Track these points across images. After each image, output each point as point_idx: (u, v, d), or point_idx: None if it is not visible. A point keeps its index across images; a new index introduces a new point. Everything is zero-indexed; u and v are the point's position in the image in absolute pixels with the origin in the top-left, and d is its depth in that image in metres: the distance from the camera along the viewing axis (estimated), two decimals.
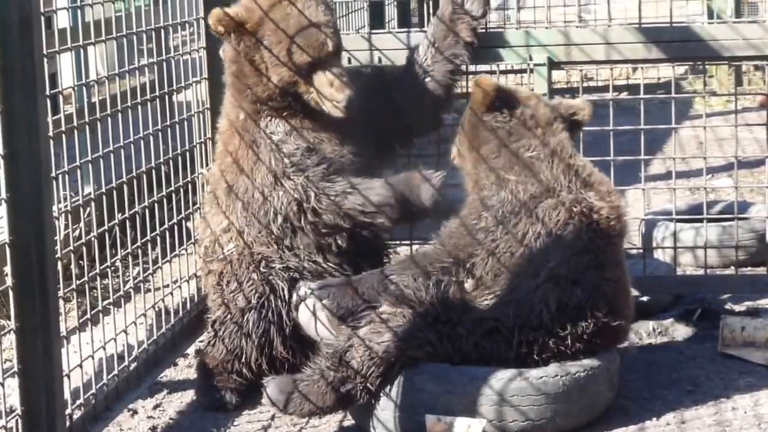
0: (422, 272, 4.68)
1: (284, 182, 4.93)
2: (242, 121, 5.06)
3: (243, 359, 4.99)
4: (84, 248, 4.62)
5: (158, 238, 5.28)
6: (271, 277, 4.96)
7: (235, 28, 4.91)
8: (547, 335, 4.57)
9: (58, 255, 4.23)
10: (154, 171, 5.17)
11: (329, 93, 4.89)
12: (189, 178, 5.61)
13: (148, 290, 5.24)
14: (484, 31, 5.53)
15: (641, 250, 6.18)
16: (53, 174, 4.17)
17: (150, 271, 5.20)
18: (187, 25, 5.72)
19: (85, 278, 4.63)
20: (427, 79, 5.33)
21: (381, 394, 4.55)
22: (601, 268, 4.66)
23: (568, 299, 4.58)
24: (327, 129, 5.05)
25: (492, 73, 5.77)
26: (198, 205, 5.66)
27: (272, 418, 4.86)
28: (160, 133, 5.27)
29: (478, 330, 4.58)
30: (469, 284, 4.66)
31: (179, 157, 5.50)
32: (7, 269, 4.03)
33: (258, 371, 4.98)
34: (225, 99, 5.21)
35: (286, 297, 4.95)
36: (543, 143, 4.78)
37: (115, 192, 4.78)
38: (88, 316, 4.63)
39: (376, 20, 9.43)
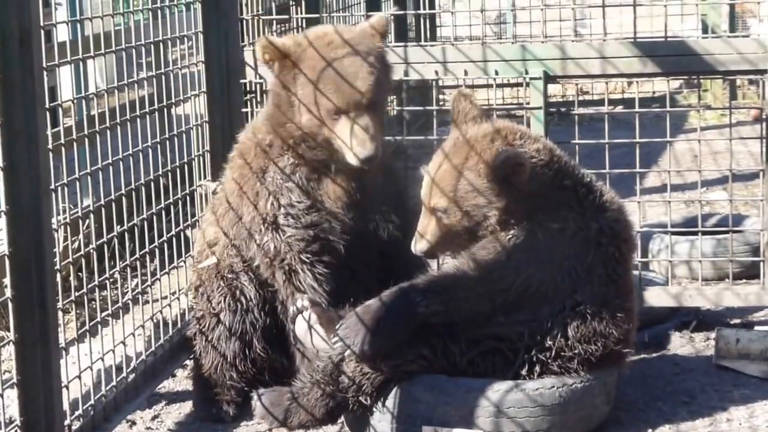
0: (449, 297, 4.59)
1: (270, 229, 4.93)
2: (266, 145, 5.00)
3: (227, 364, 5.06)
4: (83, 260, 4.64)
5: (157, 250, 5.30)
6: (237, 281, 5.03)
7: (280, 59, 4.89)
8: (555, 358, 4.58)
9: (58, 267, 4.25)
10: (152, 183, 5.19)
11: (352, 143, 4.81)
12: (187, 191, 5.64)
13: (147, 302, 5.26)
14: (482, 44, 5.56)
15: (637, 263, 6.20)
16: (52, 186, 4.19)
17: (148, 282, 5.22)
18: (186, 39, 5.75)
19: (84, 290, 4.64)
20: None
21: (377, 405, 4.57)
22: (622, 297, 4.68)
23: (586, 327, 4.59)
24: (341, 189, 4.99)
25: (488, 86, 5.81)
26: (196, 218, 5.68)
27: (269, 429, 4.87)
28: (158, 146, 5.30)
29: (474, 349, 4.58)
30: (485, 308, 4.61)
31: (178, 170, 5.53)
32: (7, 281, 4.05)
33: (245, 375, 5.05)
34: (258, 117, 5.18)
35: (252, 295, 5.01)
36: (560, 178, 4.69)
37: (114, 204, 4.81)
38: (87, 327, 4.65)
39: None
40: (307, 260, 4.90)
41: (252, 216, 4.96)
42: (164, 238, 5.37)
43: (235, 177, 5.06)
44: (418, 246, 4.73)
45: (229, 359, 5.05)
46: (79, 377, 4.52)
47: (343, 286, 4.91)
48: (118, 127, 4.92)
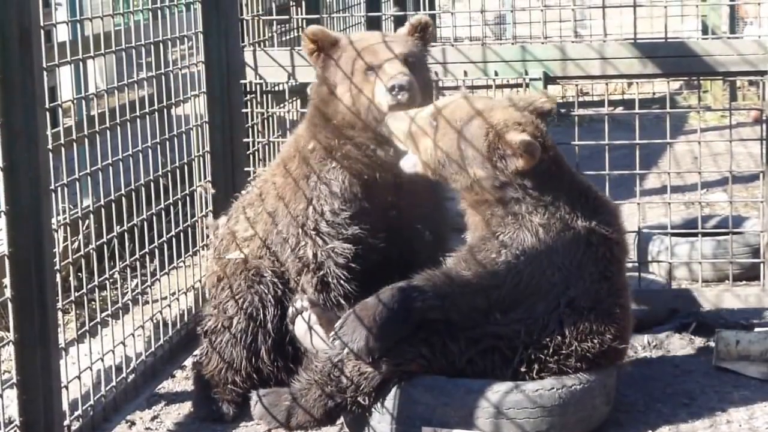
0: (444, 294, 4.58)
1: (311, 236, 4.89)
2: (308, 152, 4.98)
3: (234, 368, 5.03)
4: (83, 260, 4.64)
5: (156, 251, 5.30)
6: (260, 287, 4.99)
7: (328, 48, 4.92)
8: (552, 355, 4.59)
9: (57, 267, 4.26)
10: (152, 184, 5.19)
11: (382, 79, 4.77)
12: (187, 191, 5.64)
13: (147, 302, 5.27)
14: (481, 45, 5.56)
15: (636, 264, 6.20)
16: (52, 186, 4.20)
17: (148, 283, 5.22)
18: (186, 39, 5.75)
19: (84, 290, 4.65)
20: None
21: (377, 406, 4.57)
22: (616, 295, 4.69)
23: (582, 324, 4.59)
24: (382, 194, 4.96)
25: (488, 87, 5.81)
26: (196, 218, 5.69)
27: (269, 430, 4.87)
28: (158, 147, 5.30)
29: (473, 348, 4.59)
30: (481, 304, 4.64)
31: (177, 171, 5.53)
32: (6, 281, 4.06)
33: (249, 380, 5.02)
34: (300, 126, 5.16)
35: (271, 306, 4.97)
36: (555, 179, 4.68)
37: (113, 204, 4.81)
38: (87, 328, 4.65)
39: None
40: (343, 277, 4.87)
41: (290, 221, 4.93)
42: (164, 238, 5.37)
43: (277, 182, 5.03)
44: (396, 117, 4.70)
45: (234, 365, 5.03)
46: (78, 377, 4.52)
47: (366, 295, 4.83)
48: (118, 128, 4.92)
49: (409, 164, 4.74)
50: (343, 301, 4.87)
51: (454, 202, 5.37)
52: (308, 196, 4.91)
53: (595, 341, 4.62)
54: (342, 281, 4.88)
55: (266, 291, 4.99)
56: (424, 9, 11.61)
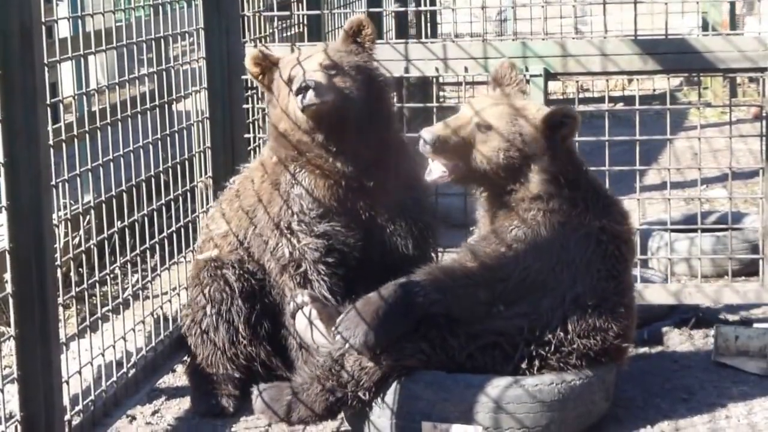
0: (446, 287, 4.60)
1: (285, 235, 4.98)
2: (272, 164, 5.10)
3: (218, 352, 5.10)
4: (83, 256, 4.65)
5: (157, 246, 5.31)
6: (222, 270, 5.08)
7: (271, 69, 5.03)
8: (554, 352, 4.60)
9: (58, 262, 4.26)
10: (153, 179, 5.20)
11: (293, 88, 4.85)
12: (188, 187, 5.65)
13: (147, 297, 5.28)
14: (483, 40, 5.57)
15: (636, 260, 6.21)
16: (53, 182, 4.20)
17: (149, 278, 5.23)
18: (187, 36, 5.76)
19: (85, 285, 4.66)
20: None
21: (377, 401, 4.58)
22: (621, 294, 4.71)
23: (585, 321, 4.61)
24: (352, 198, 5.02)
25: (487, 83, 5.81)
26: (197, 214, 5.70)
27: (269, 424, 4.88)
28: (159, 142, 5.31)
29: (473, 344, 4.60)
30: (485, 298, 4.67)
31: (178, 166, 5.54)
32: (7, 276, 4.06)
33: (235, 362, 5.09)
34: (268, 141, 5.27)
35: (236, 289, 5.06)
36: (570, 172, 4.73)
37: (114, 200, 4.82)
38: (88, 323, 4.66)
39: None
40: (323, 271, 4.95)
41: (265, 221, 5.02)
42: (165, 233, 5.38)
43: (255, 183, 5.14)
44: (430, 132, 4.64)
45: (219, 347, 5.09)
46: (79, 372, 4.53)
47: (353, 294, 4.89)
48: (119, 123, 4.93)
49: (437, 176, 4.72)
50: (329, 296, 4.92)
51: (452, 198, 5.38)
52: (281, 197, 5.00)
53: (598, 338, 4.62)
54: (323, 276, 4.95)
55: (229, 274, 5.07)
56: (425, 5, 11.61)
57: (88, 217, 4.68)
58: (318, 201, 4.97)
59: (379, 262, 5.05)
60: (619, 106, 10.89)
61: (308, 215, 4.96)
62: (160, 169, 5.32)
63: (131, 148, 5.00)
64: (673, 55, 5.67)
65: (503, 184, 4.68)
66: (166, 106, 5.49)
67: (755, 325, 5.74)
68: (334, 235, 4.97)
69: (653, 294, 5.79)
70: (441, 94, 11.14)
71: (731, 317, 6.00)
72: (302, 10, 7.57)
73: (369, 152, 4.99)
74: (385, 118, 5.07)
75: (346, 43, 5.04)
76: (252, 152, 5.97)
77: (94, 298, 5.62)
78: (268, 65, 5.06)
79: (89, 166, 4.66)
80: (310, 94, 4.77)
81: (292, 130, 4.96)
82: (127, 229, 5.08)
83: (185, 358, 5.36)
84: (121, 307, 4.95)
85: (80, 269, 4.64)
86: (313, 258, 4.94)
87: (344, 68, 4.92)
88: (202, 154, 5.77)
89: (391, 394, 4.57)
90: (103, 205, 4.74)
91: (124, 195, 4.92)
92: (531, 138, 4.63)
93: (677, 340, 5.77)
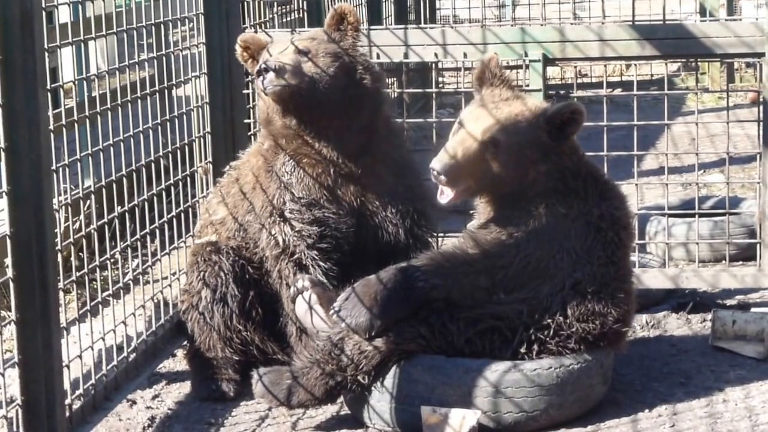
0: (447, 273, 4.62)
1: (278, 222, 5.01)
2: (264, 150, 5.14)
3: (215, 334, 5.12)
4: (84, 240, 4.67)
5: (157, 231, 5.33)
6: (216, 255, 5.10)
7: (260, 52, 5.05)
8: (553, 336, 4.62)
9: (59, 247, 4.27)
10: (153, 164, 5.22)
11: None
12: (188, 172, 5.66)
13: (147, 282, 5.29)
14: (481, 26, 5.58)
15: (634, 245, 6.23)
16: (53, 167, 4.21)
17: (149, 263, 5.25)
18: (187, 21, 5.76)
19: (85, 270, 4.67)
20: None
21: (376, 385, 4.61)
22: (621, 279, 4.73)
23: (584, 306, 4.63)
24: (342, 185, 5.06)
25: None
26: (197, 199, 5.71)
27: (269, 408, 4.90)
28: (159, 127, 5.32)
29: (472, 328, 4.61)
30: (485, 284, 4.68)
31: (178, 151, 5.55)
32: (8, 261, 4.07)
33: (232, 345, 5.11)
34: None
35: (229, 272, 5.07)
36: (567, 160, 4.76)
37: (114, 185, 4.83)
38: (88, 307, 4.68)
39: (374, 16, 9.50)
40: (316, 257, 4.98)
41: (261, 207, 5.05)
42: (165, 218, 5.40)
43: (253, 169, 5.17)
44: (441, 162, 4.62)
45: (215, 329, 5.10)
46: (79, 357, 4.55)
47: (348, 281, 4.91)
48: (119, 108, 4.93)
49: (450, 198, 4.69)
50: (325, 281, 4.95)
51: None
52: (274, 184, 5.03)
53: (597, 322, 4.64)
54: (317, 262, 4.98)
55: (224, 259, 5.08)
56: None
57: (88, 202, 4.69)
58: (308, 188, 5.00)
59: (372, 248, 5.08)
60: (617, 91, 10.89)
61: (299, 203, 4.99)
62: (160, 154, 5.33)
63: (131, 133, 5.01)
64: (671, 41, 5.68)
65: (511, 187, 4.71)
66: (166, 91, 5.49)
67: (752, 309, 5.76)
68: (326, 221, 5.00)
69: (651, 278, 5.81)
70: (440, 79, 11.13)
71: (729, 302, 6.02)
72: None
73: (355, 139, 5.02)
74: (370, 106, 5.07)
75: (328, 30, 5.07)
76: (252, 137, 5.97)
77: (94, 282, 5.63)
78: (256, 49, 5.09)
79: (89, 151, 4.67)
80: (270, 75, 4.83)
81: (273, 116, 5.02)
82: (127, 214, 5.09)
83: (185, 342, 5.39)
84: (121, 291, 4.97)
85: (80, 254, 4.65)
86: (305, 245, 4.97)
87: (318, 54, 4.95)
88: (201, 140, 5.78)
89: (390, 378, 4.60)
90: (104, 190, 4.75)
91: (125, 180, 4.93)
92: (537, 141, 4.65)
93: (675, 324, 5.79)
